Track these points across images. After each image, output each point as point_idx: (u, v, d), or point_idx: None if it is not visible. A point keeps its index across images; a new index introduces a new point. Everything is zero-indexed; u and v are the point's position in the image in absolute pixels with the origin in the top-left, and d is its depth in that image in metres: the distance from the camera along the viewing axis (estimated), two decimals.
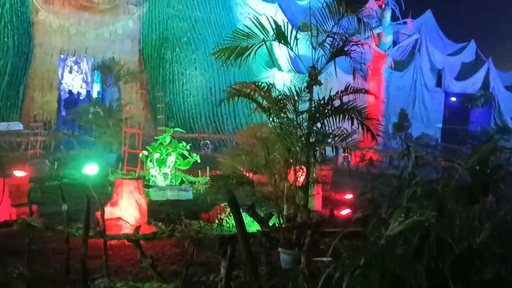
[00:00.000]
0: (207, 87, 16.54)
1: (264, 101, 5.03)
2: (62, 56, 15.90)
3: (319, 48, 5.17)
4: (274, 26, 4.98)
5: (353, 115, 4.82)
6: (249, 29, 5.19)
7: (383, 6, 16.84)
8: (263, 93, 4.90)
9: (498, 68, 23.55)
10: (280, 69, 18.17)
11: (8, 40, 13.98)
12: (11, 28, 14.08)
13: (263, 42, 5.02)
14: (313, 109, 4.80)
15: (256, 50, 5.03)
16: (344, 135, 4.88)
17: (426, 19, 22.87)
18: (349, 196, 8.88)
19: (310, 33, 5.13)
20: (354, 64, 5.36)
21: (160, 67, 16.44)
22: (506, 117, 22.45)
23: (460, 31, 24.68)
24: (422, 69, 21.37)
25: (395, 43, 18.43)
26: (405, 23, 17.35)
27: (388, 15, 16.76)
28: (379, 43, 16.84)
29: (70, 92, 16.20)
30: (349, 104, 4.93)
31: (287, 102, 4.76)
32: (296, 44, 5.19)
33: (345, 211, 7.52)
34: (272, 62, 17.63)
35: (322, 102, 4.75)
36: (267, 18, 5.25)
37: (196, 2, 17.17)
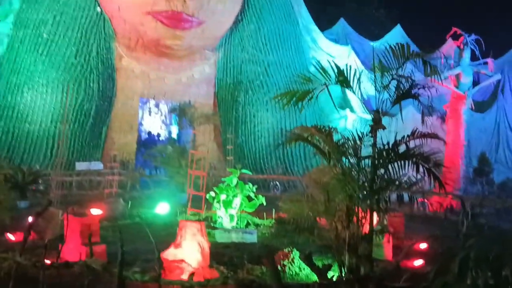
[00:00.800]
0: (278, 129, 16.66)
1: (325, 145, 4.92)
2: (142, 100, 16.78)
3: (384, 90, 5.03)
4: (336, 70, 4.91)
5: (420, 161, 4.57)
6: (322, 71, 5.17)
7: (462, 46, 16.24)
8: (324, 137, 4.80)
9: None
10: (352, 110, 17.96)
11: (93, 84, 14.99)
12: (96, 74, 15.12)
13: (325, 87, 4.97)
14: (376, 155, 4.61)
15: (318, 95, 4.98)
16: (412, 182, 4.64)
17: (510, 58, 21.74)
18: (423, 246, 8.36)
19: (373, 75, 5.01)
20: (422, 108, 5.15)
21: (233, 109, 16.81)
22: None
23: None
24: (506, 110, 20.18)
25: (475, 83, 17.62)
26: (485, 63, 16.56)
27: (467, 55, 16.11)
28: (458, 84, 16.16)
29: (149, 133, 17.00)
30: (415, 149, 4.69)
31: (348, 147, 4.62)
32: (359, 87, 5.08)
33: (418, 262, 7.06)
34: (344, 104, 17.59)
35: (386, 147, 4.57)
36: (329, 63, 5.20)
37: (269, 46, 17.55)
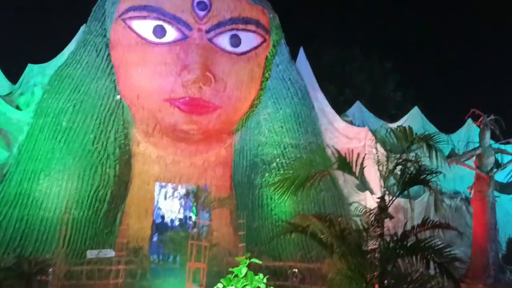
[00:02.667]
0: (296, 212, 16.19)
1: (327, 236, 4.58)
2: (158, 184, 16.71)
3: (390, 176, 4.76)
4: (336, 155, 4.68)
5: (431, 255, 4.16)
6: (321, 156, 4.98)
7: (482, 126, 16.01)
8: (325, 226, 4.47)
9: None
10: (372, 192, 17.48)
11: (109, 170, 15.00)
12: (113, 159, 15.19)
13: (326, 172, 4.73)
14: (381, 248, 4.24)
15: (320, 180, 4.73)
16: (426, 277, 4.20)
17: None
18: None
19: (376, 160, 4.77)
20: (435, 195, 4.83)
21: (249, 192, 16.52)
22: None
23: None
24: None
25: (499, 164, 17.15)
26: (508, 142, 16.21)
27: (487, 135, 15.83)
28: (480, 165, 15.72)
29: (163, 218, 16.76)
30: (425, 242, 4.30)
31: (352, 239, 4.27)
32: (362, 172, 4.81)
33: None
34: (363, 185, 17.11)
35: (394, 238, 4.21)
36: (329, 147, 4.99)
37: (286, 129, 17.54)
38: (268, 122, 17.43)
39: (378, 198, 4.79)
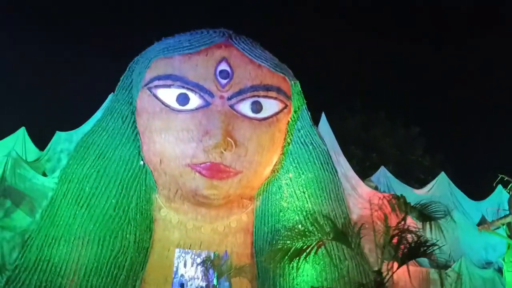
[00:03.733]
0: (318, 283, 15.59)
1: None
2: (178, 250, 16.49)
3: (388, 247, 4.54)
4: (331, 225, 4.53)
5: None
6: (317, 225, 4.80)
7: (511, 193, 15.47)
8: None
9: None
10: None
11: (130, 236, 14.99)
12: (134, 225, 15.20)
13: (321, 243, 4.56)
14: None
15: (317, 251, 4.54)
16: None
17: None
18: None
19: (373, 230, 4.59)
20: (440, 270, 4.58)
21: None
22: None
23: None
24: None
25: None
26: None
27: None
28: (511, 233, 15.03)
29: (183, 286, 16.35)
30: None
31: None
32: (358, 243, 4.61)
33: None
34: None
35: None
36: (324, 216, 4.84)
37: (307, 194, 17.30)
38: (290, 187, 17.22)
39: (374, 271, 4.56)
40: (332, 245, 14.31)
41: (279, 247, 4.41)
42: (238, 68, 15.72)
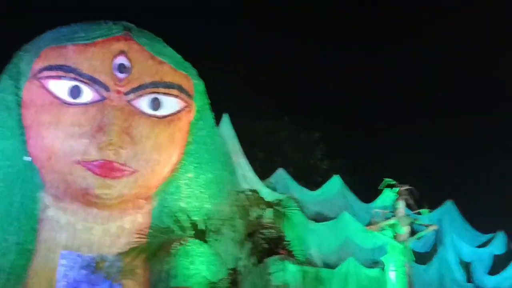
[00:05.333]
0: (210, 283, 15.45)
1: None
2: (65, 253, 15.53)
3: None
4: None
5: None
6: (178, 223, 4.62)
7: (397, 196, 16.47)
8: None
9: None
10: (292, 262, 17.20)
11: (11, 237, 13.92)
12: (17, 225, 14.14)
13: (182, 240, 4.41)
14: None
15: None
16: None
17: (448, 209, 22.15)
18: None
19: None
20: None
21: (165, 262, 15.70)
22: None
23: (487, 221, 23.71)
24: (448, 262, 19.86)
25: (414, 233, 17.54)
26: (419, 213, 16.70)
27: (401, 205, 16.24)
28: (395, 234, 15.97)
29: None
30: None
31: None
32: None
33: None
34: None
35: None
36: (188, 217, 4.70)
37: (206, 195, 17.12)
38: (189, 187, 16.93)
39: (230, 269, 4.51)
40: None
41: (136, 245, 4.18)
42: (138, 63, 15.16)
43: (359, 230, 18.06)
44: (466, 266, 20.85)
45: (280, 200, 4.31)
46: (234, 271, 4.10)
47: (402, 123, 35.43)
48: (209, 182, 17.62)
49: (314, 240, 18.87)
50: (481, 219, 23.77)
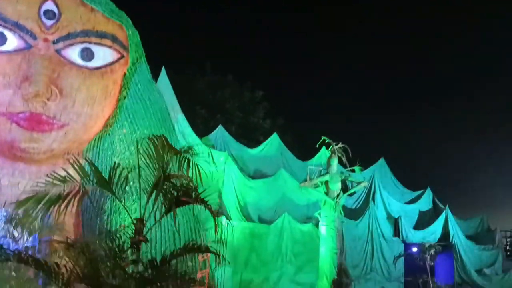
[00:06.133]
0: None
1: None
2: None
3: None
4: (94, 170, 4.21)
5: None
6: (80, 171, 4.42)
7: (331, 153, 16.73)
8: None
9: (457, 216, 23.03)
10: (229, 218, 17.33)
11: None
12: None
13: (83, 190, 4.25)
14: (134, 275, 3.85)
15: (77, 199, 4.20)
16: None
17: (380, 167, 22.89)
18: None
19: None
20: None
21: (97, 218, 15.41)
22: (470, 269, 21.29)
23: (416, 179, 24.80)
24: (378, 218, 20.66)
25: (346, 190, 18.01)
26: (353, 170, 17.09)
27: (335, 162, 16.54)
28: (327, 191, 16.32)
29: None
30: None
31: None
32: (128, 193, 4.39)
33: None
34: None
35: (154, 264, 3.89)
36: (89, 164, 4.51)
37: (142, 151, 16.66)
38: (123, 143, 16.50)
39: (135, 219, 4.41)
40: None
41: (33, 195, 3.96)
42: (67, 9, 14.23)
43: (295, 187, 18.37)
44: (395, 222, 21.85)
45: (190, 147, 4.18)
46: (138, 221, 3.99)
47: (342, 84, 36.01)
48: (144, 138, 17.13)
49: (252, 197, 19.05)
50: (410, 177, 24.85)
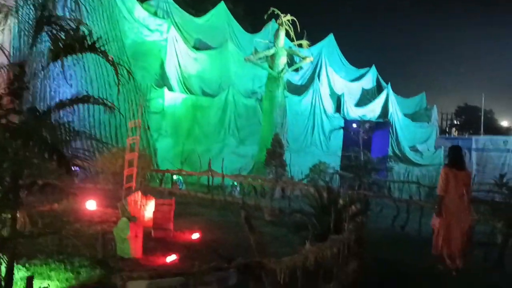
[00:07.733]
0: (84, 105, 14.90)
1: None
2: None
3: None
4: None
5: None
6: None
7: (278, 26, 16.07)
8: None
9: (399, 95, 23.54)
10: (171, 89, 16.84)
11: None
12: None
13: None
14: None
15: None
16: None
17: (328, 43, 22.54)
18: (195, 236, 7.52)
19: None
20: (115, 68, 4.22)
21: (30, 84, 14.51)
22: (404, 144, 22.34)
23: (362, 57, 24.77)
24: (321, 94, 20.79)
25: (292, 65, 17.71)
26: (300, 45, 16.63)
27: (282, 35, 15.97)
28: (272, 65, 15.96)
29: None
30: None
31: None
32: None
33: (171, 258, 6.12)
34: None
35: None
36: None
37: (78, 14, 15.43)
38: (61, 3, 15.12)
39: (18, 65, 4.00)
40: None
41: None
42: None
43: (240, 60, 17.75)
44: (337, 98, 22.09)
45: None
46: (20, 65, 3.57)
47: None
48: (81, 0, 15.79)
49: (196, 69, 18.46)
50: (357, 56, 24.78)
